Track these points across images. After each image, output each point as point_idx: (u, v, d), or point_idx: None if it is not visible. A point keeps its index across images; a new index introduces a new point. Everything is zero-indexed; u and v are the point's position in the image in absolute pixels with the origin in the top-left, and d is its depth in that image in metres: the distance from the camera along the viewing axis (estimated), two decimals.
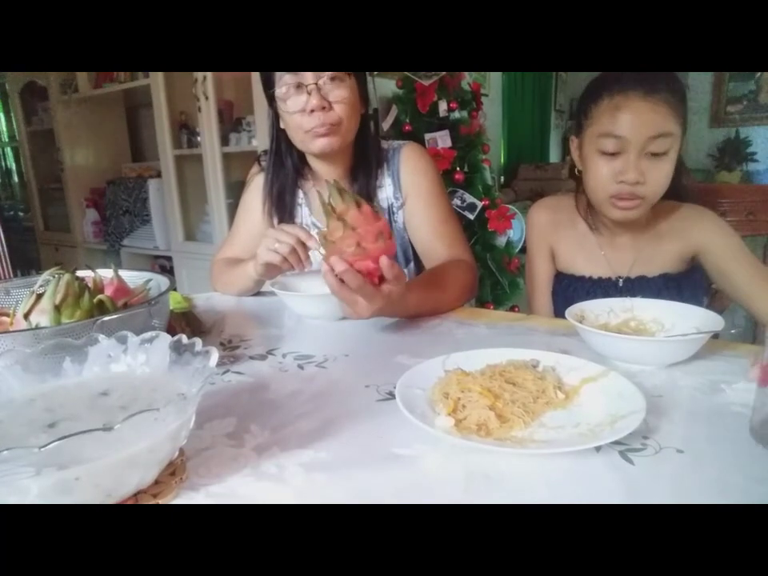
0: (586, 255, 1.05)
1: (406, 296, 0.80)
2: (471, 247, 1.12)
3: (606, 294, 1.00)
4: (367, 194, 1.06)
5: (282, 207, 1.10)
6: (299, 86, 0.94)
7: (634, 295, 0.95)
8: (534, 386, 0.57)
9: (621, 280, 1.01)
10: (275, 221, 1.11)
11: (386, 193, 1.10)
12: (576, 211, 1.06)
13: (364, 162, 1.07)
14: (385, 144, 1.11)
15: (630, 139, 0.87)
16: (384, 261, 0.70)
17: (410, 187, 1.08)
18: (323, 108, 0.94)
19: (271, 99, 1.00)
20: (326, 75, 0.93)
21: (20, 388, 0.49)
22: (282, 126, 1.03)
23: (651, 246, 0.99)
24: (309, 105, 0.93)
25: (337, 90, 0.95)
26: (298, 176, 1.11)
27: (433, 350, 0.67)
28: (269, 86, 0.99)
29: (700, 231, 0.96)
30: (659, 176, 0.89)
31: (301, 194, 1.13)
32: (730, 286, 0.95)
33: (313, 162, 1.09)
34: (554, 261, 1.11)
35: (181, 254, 2.82)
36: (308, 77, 0.93)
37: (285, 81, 0.95)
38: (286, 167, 1.09)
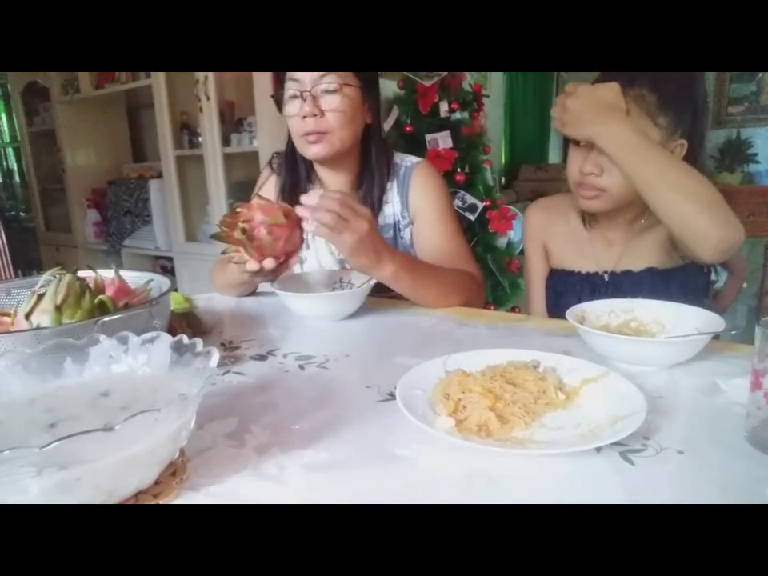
0: (577, 250, 1.06)
1: (392, 252, 0.87)
2: (472, 248, 1.13)
3: (594, 289, 1.00)
4: (371, 204, 1.08)
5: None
6: (297, 93, 0.98)
7: (620, 289, 0.95)
8: (534, 386, 0.57)
9: (606, 275, 1.01)
10: None
11: (392, 209, 1.11)
12: (570, 208, 1.07)
13: (370, 173, 1.09)
14: (398, 158, 1.13)
15: None
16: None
17: (419, 208, 1.10)
18: (314, 115, 0.97)
19: (279, 103, 1.04)
20: (322, 84, 0.97)
21: (21, 388, 0.49)
22: None
23: (638, 239, 0.99)
24: (301, 111, 0.97)
25: (330, 98, 0.98)
26: (307, 179, 1.13)
27: (433, 351, 0.67)
28: (279, 89, 1.03)
29: None
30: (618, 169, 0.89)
31: None
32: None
33: (317, 167, 1.11)
34: (548, 258, 1.12)
35: (182, 254, 2.82)
36: (306, 84, 0.97)
37: (287, 86, 0.99)
38: (297, 168, 1.12)
